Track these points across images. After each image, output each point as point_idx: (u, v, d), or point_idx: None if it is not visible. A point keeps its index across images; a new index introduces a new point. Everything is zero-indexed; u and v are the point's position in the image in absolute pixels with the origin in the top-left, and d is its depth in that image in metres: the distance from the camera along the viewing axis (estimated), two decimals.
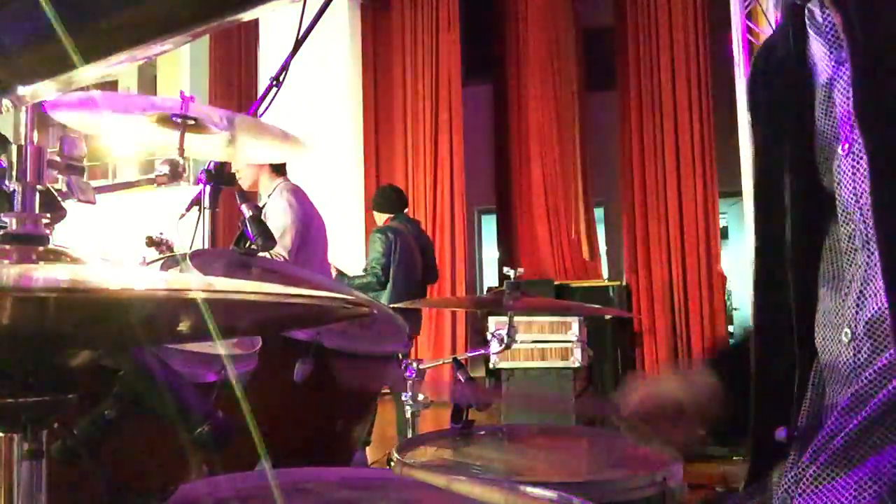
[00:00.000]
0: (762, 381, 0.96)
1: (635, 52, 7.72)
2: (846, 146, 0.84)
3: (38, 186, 0.64)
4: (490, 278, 10.07)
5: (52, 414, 0.61)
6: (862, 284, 0.82)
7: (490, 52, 8.79)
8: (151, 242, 3.87)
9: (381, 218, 4.78)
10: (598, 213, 8.81)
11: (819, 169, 0.89)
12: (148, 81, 9.73)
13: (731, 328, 7.48)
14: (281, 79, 1.86)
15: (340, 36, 7.75)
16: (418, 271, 4.75)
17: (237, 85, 8.68)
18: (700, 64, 7.25)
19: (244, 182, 3.79)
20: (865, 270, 0.82)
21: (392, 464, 1.38)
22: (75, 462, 0.66)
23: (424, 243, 4.94)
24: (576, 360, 4.76)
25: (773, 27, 5.71)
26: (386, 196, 4.88)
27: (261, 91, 1.94)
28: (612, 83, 8.32)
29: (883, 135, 0.76)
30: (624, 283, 6.10)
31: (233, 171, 3.72)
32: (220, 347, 1.14)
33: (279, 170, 3.75)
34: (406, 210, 4.98)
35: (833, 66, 0.86)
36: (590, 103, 8.53)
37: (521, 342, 4.69)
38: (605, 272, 6.89)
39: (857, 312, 0.83)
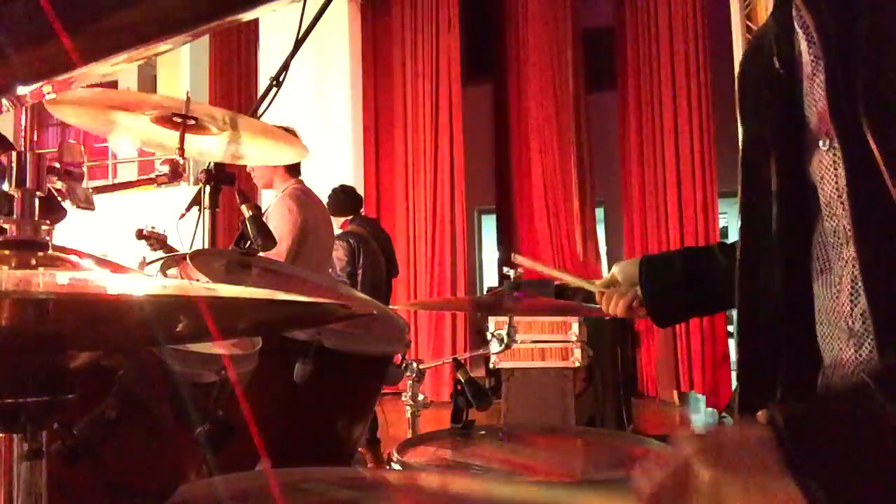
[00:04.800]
0: (747, 374, 0.97)
1: (635, 53, 7.73)
2: (827, 141, 0.84)
3: (38, 192, 0.64)
4: (490, 278, 10.07)
5: (52, 414, 0.61)
6: (853, 280, 0.82)
7: (490, 52, 8.79)
8: (141, 236, 3.87)
9: (337, 221, 4.77)
10: (599, 213, 8.81)
11: (805, 163, 0.89)
12: (148, 81, 9.74)
13: (730, 328, 7.47)
14: (281, 79, 1.86)
15: (340, 36, 7.75)
16: (383, 272, 4.79)
17: (237, 85, 8.68)
18: (700, 64, 7.25)
19: (259, 181, 3.78)
20: (854, 266, 0.82)
21: (392, 464, 1.38)
22: (75, 462, 0.66)
23: (385, 242, 4.97)
24: (576, 360, 4.75)
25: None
26: (337, 199, 4.87)
27: (261, 91, 1.94)
28: (611, 83, 8.32)
29: (856, 133, 0.76)
30: None
31: (248, 170, 3.71)
32: (219, 348, 1.14)
33: (293, 170, 3.72)
34: (361, 209, 4.99)
35: (812, 62, 0.86)
36: (590, 103, 8.53)
37: (521, 342, 4.68)
38: (605, 272, 6.93)
39: (852, 308, 0.83)
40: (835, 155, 0.82)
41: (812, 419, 0.66)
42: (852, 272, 0.82)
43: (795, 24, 0.90)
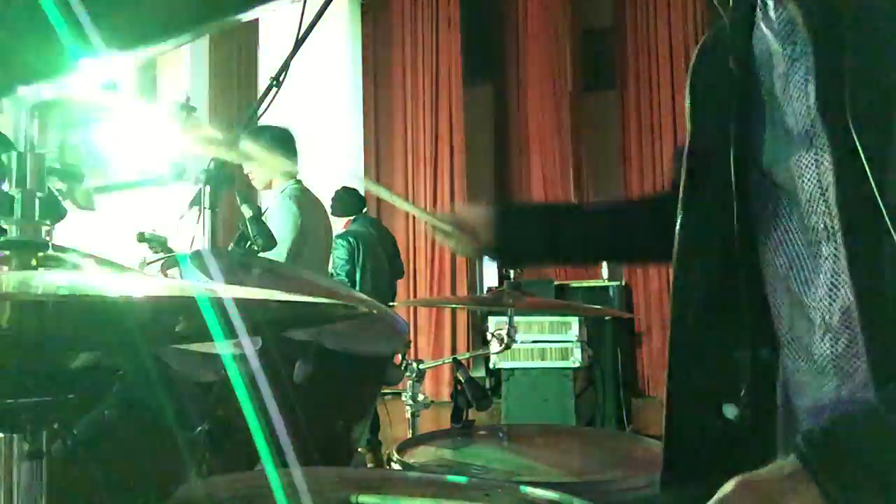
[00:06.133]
0: (689, 368, 0.97)
1: (635, 52, 7.73)
2: (807, 140, 0.83)
3: (38, 193, 0.64)
4: (490, 278, 10.06)
5: (52, 414, 0.62)
6: (832, 276, 0.82)
7: (490, 52, 8.78)
8: (143, 239, 3.87)
9: (340, 222, 4.79)
10: None
11: (769, 161, 0.89)
12: (148, 81, 9.73)
13: None
14: (281, 79, 1.86)
15: (340, 36, 7.75)
16: (385, 272, 4.79)
17: (237, 85, 8.68)
18: None
19: (258, 184, 3.78)
20: (833, 262, 0.82)
21: (392, 464, 1.38)
22: (75, 462, 0.66)
23: (388, 242, 4.98)
24: (576, 360, 4.76)
25: None
26: (341, 199, 4.92)
27: (261, 91, 1.94)
28: (611, 83, 8.32)
29: (845, 129, 0.76)
30: (623, 283, 6.09)
31: (246, 171, 3.72)
32: (219, 348, 1.14)
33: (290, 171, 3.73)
34: (365, 210, 5.02)
35: (787, 62, 0.86)
36: (589, 103, 8.53)
37: (521, 342, 4.69)
38: (604, 272, 6.98)
39: (830, 304, 0.83)
40: (817, 152, 0.82)
41: (838, 450, 0.72)
42: (832, 268, 0.82)
43: (761, 23, 0.90)
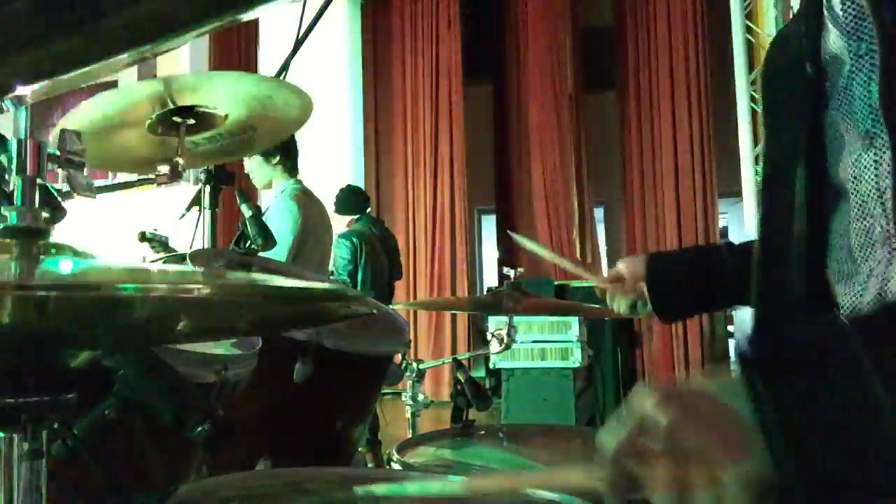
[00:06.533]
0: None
1: (634, 53, 7.74)
2: (868, 140, 0.82)
3: (38, 181, 0.64)
4: (490, 278, 10.07)
5: (52, 414, 0.61)
6: (882, 281, 0.81)
7: (490, 52, 8.79)
8: (144, 238, 3.86)
9: (343, 220, 4.81)
10: (598, 213, 8.81)
11: (831, 162, 0.88)
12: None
13: (730, 328, 7.48)
14: (281, 79, 1.86)
15: (340, 36, 7.75)
16: (385, 272, 4.80)
17: None
18: (699, 64, 7.26)
19: (258, 182, 3.77)
20: (886, 266, 0.80)
21: (392, 464, 1.38)
22: (75, 462, 0.66)
23: (390, 243, 4.99)
24: (576, 360, 4.76)
25: (775, 27, 5.73)
26: (345, 198, 4.93)
27: None
28: (611, 83, 8.33)
29: None
30: None
31: (246, 171, 3.71)
32: (220, 347, 1.14)
33: (291, 170, 3.73)
34: (369, 210, 5.03)
35: (852, 59, 0.84)
36: (589, 103, 8.54)
37: (521, 342, 4.69)
38: (604, 272, 6.95)
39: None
40: (877, 153, 0.81)
41: (777, 357, 0.67)
42: (883, 272, 0.81)
43: (829, 21, 0.88)
